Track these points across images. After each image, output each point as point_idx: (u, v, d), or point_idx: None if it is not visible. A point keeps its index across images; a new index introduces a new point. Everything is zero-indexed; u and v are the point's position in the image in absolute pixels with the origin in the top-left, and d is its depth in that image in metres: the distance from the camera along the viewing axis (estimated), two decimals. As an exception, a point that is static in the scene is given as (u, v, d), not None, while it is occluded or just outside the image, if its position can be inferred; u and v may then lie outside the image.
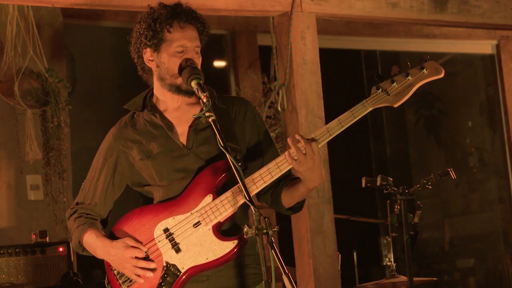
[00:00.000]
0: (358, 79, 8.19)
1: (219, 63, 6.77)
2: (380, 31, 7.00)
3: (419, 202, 4.34)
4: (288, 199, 3.16)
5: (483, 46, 7.39)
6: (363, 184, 4.29)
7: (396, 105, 3.07)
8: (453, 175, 4.30)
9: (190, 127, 3.14)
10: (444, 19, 5.44)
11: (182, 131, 3.15)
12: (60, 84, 5.32)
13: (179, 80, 3.10)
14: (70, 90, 5.46)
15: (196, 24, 3.13)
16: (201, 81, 3.04)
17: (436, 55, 7.72)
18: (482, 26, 5.84)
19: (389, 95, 3.05)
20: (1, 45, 5.32)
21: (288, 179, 3.17)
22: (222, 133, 2.92)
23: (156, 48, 3.13)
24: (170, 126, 3.15)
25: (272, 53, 5.17)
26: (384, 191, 4.30)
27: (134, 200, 3.28)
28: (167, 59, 3.12)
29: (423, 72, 3.07)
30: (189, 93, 3.11)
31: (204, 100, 2.97)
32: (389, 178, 4.27)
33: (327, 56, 5.30)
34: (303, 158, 2.96)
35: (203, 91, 2.99)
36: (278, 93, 5.08)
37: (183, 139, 3.14)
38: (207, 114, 2.95)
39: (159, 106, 3.20)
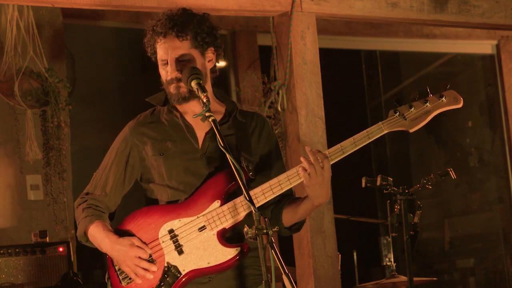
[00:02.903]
0: (358, 79, 8.19)
1: (219, 63, 6.75)
2: (380, 31, 7.00)
3: (419, 202, 4.34)
4: (289, 216, 3.18)
5: (483, 46, 7.39)
6: (363, 184, 4.29)
7: (412, 130, 3.14)
8: (453, 175, 4.30)
9: (206, 133, 3.18)
10: (444, 19, 5.44)
11: (198, 136, 3.19)
12: (60, 84, 5.32)
13: (169, 89, 3.18)
14: (70, 90, 5.46)
15: (175, 32, 3.15)
16: (201, 81, 3.08)
17: (436, 55, 7.73)
18: (482, 26, 5.84)
19: (405, 119, 3.11)
20: (1, 45, 5.32)
21: (290, 198, 3.21)
22: (239, 145, 3.03)
23: (156, 61, 3.24)
24: (190, 128, 3.20)
25: (272, 53, 5.17)
26: (384, 191, 4.30)
27: (138, 200, 3.29)
28: (159, 70, 3.22)
29: (442, 101, 3.13)
30: (182, 100, 3.16)
31: (204, 100, 3.00)
32: (389, 178, 4.27)
33: (327, 56, 5.30)
34: (313, 173, 2.99)
35: (203, 91, 3.03)
36: (278, 93, 5.08)
37: (198, 144, 3.18)
38: (207, 114, 2.98)
39: (178, 108, 3.25)
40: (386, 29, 7.00)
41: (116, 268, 3.11)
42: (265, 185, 3.06)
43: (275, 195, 3.07)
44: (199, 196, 3.09)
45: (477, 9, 5.53)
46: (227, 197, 3.08)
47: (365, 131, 3.09)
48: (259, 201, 3.04)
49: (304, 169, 3.01)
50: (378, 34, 7.03)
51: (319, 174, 3.00)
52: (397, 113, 3.10)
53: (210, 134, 3.17)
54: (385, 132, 3.10)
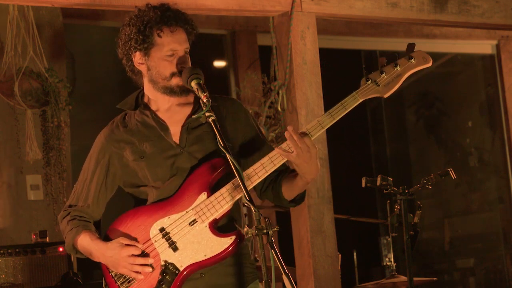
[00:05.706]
0: (358, 80, 8.18)
1: (219, 63, 6.77)
2: (380, 31, 7.00)
3: (419, 202, 4.34)
4: (288, 192, 3.18)
5: (483, 46, 7.39)
6: (363, 184, 4.29)
7: (386, 95, 3.13)
8: (453, 175, 4.30)
9: (182, 126, 3.16)
10: (444, 19, 5.44)
11: (174, 131, 3.17)
12: (60, 84, 5.33)
13: (172, 82, 3.12)
14: (70, 90, 5.46)
15: (185, 26, 3.15)
16: (201, 81, 3.05)
17: (436, 55, 7.73)
18: (482, 26, 5.84)
19: (378, 85, 3.11)
20: (1, 45, 5.32)
21: (286, 173, 3.19)
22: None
23: (146, 52, 3.16)
24: (163, 125, 3.17)
25: (272, 53, 5.17)
26: (384, 191, 4.30)
27: (127, 202, 3.27)
28: (157, 63, 3.14)
29: (411, 62, 3.12)
30: (183, 93, 3.13)
31: (204, 100, 2.99)
32: (389, 178, 4.27)
33: (327, 56, 5.30)
34: (300, 151, 2.98)
35: (203, 91, 3.01)
36: (278, 93, 5.08)
37: (175, 138, 3.16)
38: (207, 114, 2.97)
39: (150, 106, 3.22)
40: (386, 29, 7.01)
41: (113, 274, 3.09)
42: (249, 170, 3.04)
43: (261, 179, 3.05)
44: (185, 191, 3.08)
45: (477, 9, 5.54)
46: (212, 188, 3.06)
47: (340, 103, 3.08)
48: (247, 186, 2.96)
49: (285, 150, 3.00)
50: (378, 34, 7.04)
51: (305, 151, 2.98)
52: (369, 81, 3.10)
53: (186, 126, 3.15)
54: (360, 101, 3.08)
